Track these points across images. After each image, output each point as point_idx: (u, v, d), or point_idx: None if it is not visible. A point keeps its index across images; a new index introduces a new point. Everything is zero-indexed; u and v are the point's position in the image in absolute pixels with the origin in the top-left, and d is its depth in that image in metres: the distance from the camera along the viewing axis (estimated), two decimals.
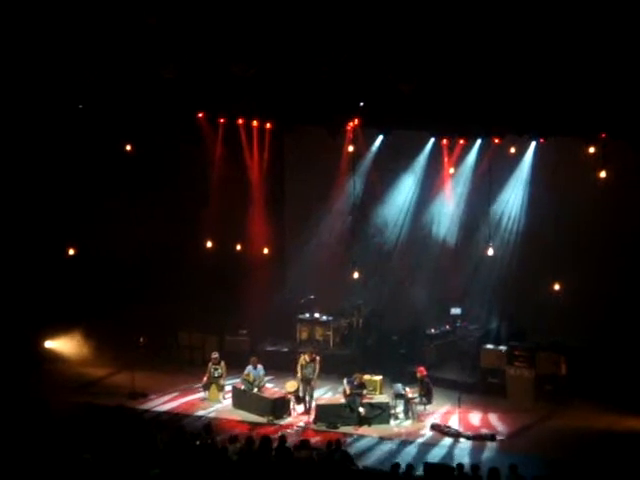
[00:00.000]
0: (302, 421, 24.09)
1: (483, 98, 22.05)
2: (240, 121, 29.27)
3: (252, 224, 30.53)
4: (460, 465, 18.13)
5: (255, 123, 29.44)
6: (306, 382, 24.76)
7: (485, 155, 27.86)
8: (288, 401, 24.68)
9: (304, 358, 24.96)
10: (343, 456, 18.63)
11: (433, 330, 28.92)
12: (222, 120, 29.20)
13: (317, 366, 24.83)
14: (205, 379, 25.94)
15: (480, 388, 26.33)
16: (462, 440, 22.62)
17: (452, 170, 28.90)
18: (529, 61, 19.92)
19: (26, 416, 20.46)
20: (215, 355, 26.28)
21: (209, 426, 20.26)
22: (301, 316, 30.18)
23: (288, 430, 23.04)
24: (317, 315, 30.06)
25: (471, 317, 29.26)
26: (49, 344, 29.43)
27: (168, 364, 29.03)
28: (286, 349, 29.40)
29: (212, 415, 24.74)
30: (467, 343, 28.06)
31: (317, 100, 24.05)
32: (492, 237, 27.55)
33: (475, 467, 17.74)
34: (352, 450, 20.75)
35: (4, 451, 17.34)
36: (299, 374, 24.86)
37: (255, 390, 24.87)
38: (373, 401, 24.18)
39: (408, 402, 24.31)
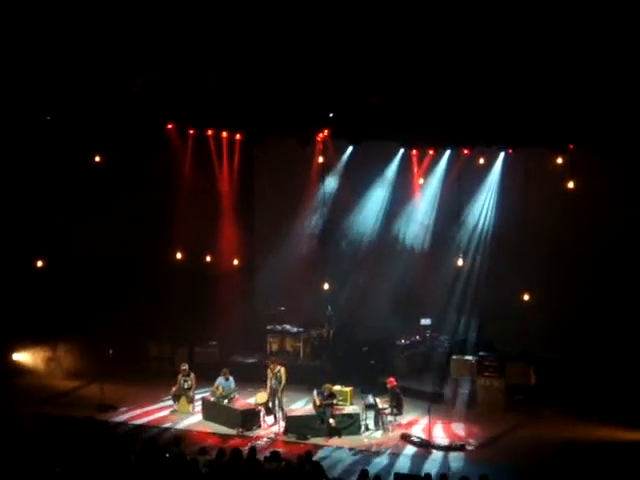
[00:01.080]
0: (272, 432, 24.03)
1: (452, 109, 22.12)
2: (210, 132, 29.28)
3: (222, 235, 30.51)
4: (430, 475, 18.13)
5: (225, 134, 29.47)
6: (273, 393, 24.70)
7: (454, 165, 28.03)
8: (258, 413, 24.61)
9: (270, 369, 24.91)
10: (314, 467, 18.59)
11: (403, 341, 29.03)
12: (192, 131, 29.20)
13: (283, 377, 24.73)
14: (174, 390, 25.85)
15: (450, 398, 26.34)
16: (432, 450, 22.63)
17: (422, 180, 29.06)
18: (496, 73, 20.00)
19: None
20: (184, 367, 26.18)
21: (179, 438, 20.17)
22: (271, 327, 30.21)
23: (258, 442, 22.99)
24: (287, 326, 30.14)
25: (441, 327, 29.33)
26: (17, 356, 29.25)
27: (137, 376, 28.89)
28: (256, 360, 29.36)
29: (182, 427, 24.63)
30: (437, 354, 28.10)
31: (287, 111, 24.05)
32: (462, 247, 27.72)
33: (444, 477, 17.73)
34: (322, 461, 20.69)
35: None
36: (268, 385, 24.84)
37: (225, 402, 24.80)
38: (343, 412, 24.17)
39: (378, 413, 24.30)
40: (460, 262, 27.62)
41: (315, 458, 19.90)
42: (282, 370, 24.78)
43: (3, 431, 20.09)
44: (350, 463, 21.78)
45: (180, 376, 25.94)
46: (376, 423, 24.33)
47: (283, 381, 24.67)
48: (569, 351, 26.03)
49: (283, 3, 19.19)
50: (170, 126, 28.62)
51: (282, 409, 24.60)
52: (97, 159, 28.52)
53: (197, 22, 19.95)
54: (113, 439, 20.56)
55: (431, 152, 28.24)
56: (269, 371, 24.86)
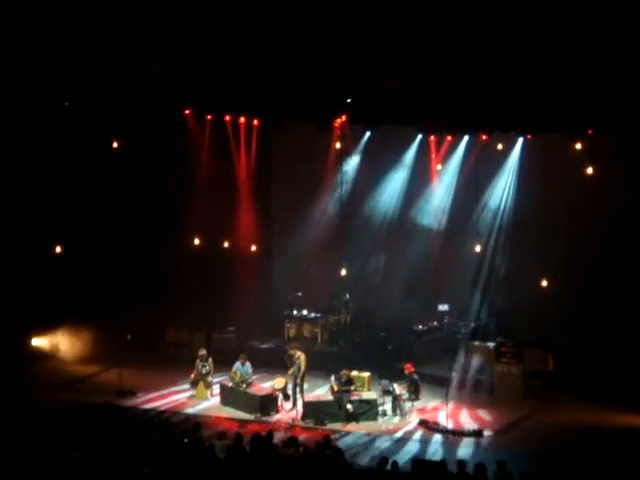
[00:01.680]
0: (290, 418, 24.06)
1: (470, 94, 22.06)
2: (227, 118, 29.25)
3: (240, 221, 30.53)
4: (447, 461, 18.11)
5: (242, 120, 29.42)
6: (293, 379, 24.74)
7: (472, 151, 27.93)
8: (276, 398, 24.65)
9: (290, 355, 24.93)
10: (335, 452, 18.66)
11: (421, 326, 28.97)
12: (209, 117, 29.18)
13: (303, 363, 24.75)
14: (192, 376, 25.91)
15: (468, 384, 26.31)
16: (449, 436, 22.62)
17: (439, 166, 28.94)
18: (515, 58, 19.92)
19: (13, 414, 20.38)
20: (202, 352, 26.22)
21: (197, 423, 20.20)
22: (289, 313, 30.23)
23: (276, 427, 23.02)
24: (305, 312, 30.16)
25: (459, 313, 29.30)
26: (36, 342, 29.37)
27: (155, 361, 28.98)
28: (273, 346, 29.40)
29: (200, 412, 24.67)
30: (455, 339, 28.06)
31: (305, 97, 24.03)
32: (480, 233, 27.65)
33: (462, 463, 17.70)
34: (340, 447, 20.71)
35: None
36: (291, 371, 24.88)
37: (243, 387, 24.84)
38: (361, 398, 24.17)
39: (396, 399, 24.30)
40: (478, 248, 27.54)
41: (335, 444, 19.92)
42: (302, 357, 24.78)
43: (22, 417, 20.20)
44: (367, 449, 21.80)
45: (198, 361, 25.99)
46: (393, 409, 24.33)
47: (302, 368, 24.68)
48: (587, 337, 25.93)
49: None
50: (188, 112, 28.63)
51: (302, 396, 24.61)
52: (115, 145, 28.56)
53: (214, 8, 19.94)
54: (131, 425, 20.61)
55: (449, 138, 28.14)
56: (289, 357, 24.88)
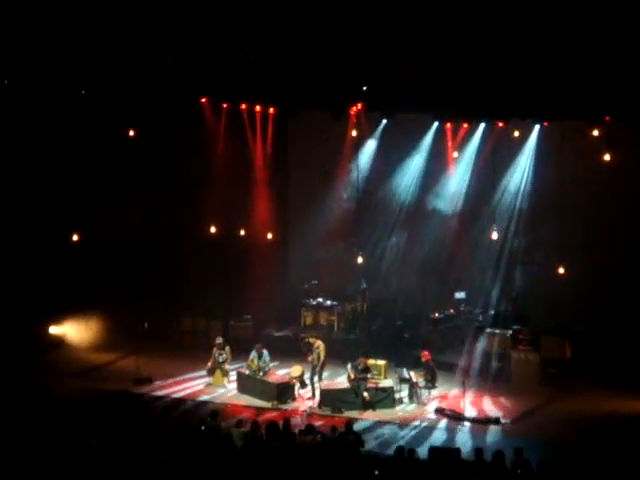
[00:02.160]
0: (307, 406, 24.10)
1: (486, 81, 21.98)
2: (243, 106, 29.23)
3: (256, 209, 30.49)
4: (464, 449, 18.14)
5: (258, 108, 29.39)
6: (312, 368, 24.78)
7: (489, 139, 27.83)
8: (293, 386, 24.69)
9: (308, 343, 24.95)
10: (356, 438, 18.75)
11: (437, 314, 28.91)
12: (225, 105, 29.15)
13: (322, 352, 24.78)
14: (210, 364, 25.96)
15: (484, 372, 26.28)
16: (466, 424, 22.63)
17: (456, 154, 28.83)
18: (532, 44, 19.84)
19: (31, 403, 20.47)
20: (219, 340, 26.27)
21: (215, 411, 20.25)
22: (305, 301, 30.24)
23: (293, 415, 23.05)
24: (321, 300, 30.15)
25: (475, 301, 29.23)
26: (53, 330, 29.49)
27: (172, 349, 29.06)
28: (290, 334, 29.42)
29: (217, 400, 24.75)
30: (471, 327, 27.99)
31: (320, 84, 23.98)
32: (496, 221, 27.57)
33: (479, 451, 17.72)
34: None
35: (10, 438, 17.37)
36: (309, 358, 24.93)
37: (260, 375, 24.87)
38: (378, 386, 24.20)
39: (413, 386, 24.32)
40: (495, 235, 27.48)
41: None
42: (321, 346, 24.82)
43: (40, 405, 20.29)
44: (384, 436, 21.84)
45: (215, 349, 26.03)
46: (410, 397, 24.35)
47: (322, 357, 24.72)
48: (605, 324, 25.86)
49: None
50: (204, 100, 28.63)
51: (319, 385, 24.63)
52: (131, 134, 28.62)
53: None
54: (148, 412, 20.69)
55: (465, 125, 28.04)
56: (307, 344, 24.90)
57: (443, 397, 24.64)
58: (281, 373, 25.75)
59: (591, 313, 25.95)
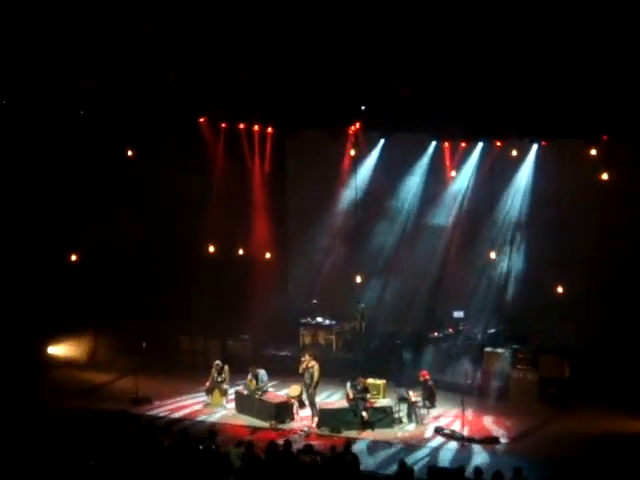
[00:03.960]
0: (305, 426, 24.05)
1: (484, 101, 22.04)
2: (241, 126, 29.30)
3: (254, 228, 30.54)
4: (463, 468, 18.10)
5: (256, 128, 29.46)
6: (306, 388, 24.73)
7: (487, 158, 27.87)
8: (291, 406, 24.65)
9: (305, 362, 24.90)
10: (353, 458, 18.70)
11: (436, 333, 28.87)
12: (223, 125, 29.23)
13: (316, 373, 24.62)
14: (208, 384, 25.92)
15: (483, 391, 26.23)
16: (465, 443, 22.58)
17: (454, 173, 28.86)
18: (529, 63, 19.91)
19: (29, 422, 20.45)
20: (217, 362, 26.17)
21: (213, 431, 20.23)
22: (304, 320, 30.23)
23: (291, 435, 23.00)
24: (320, 319, 30.15)
25: (474, 320, 29.20)
26: (52, 350, 29.46)
27: (171, 369, 28.96)
28: (289, 353, 29.38)
29: (216, 420, 24.70)
30: (470, 346, 27.96)
31: (318, 104, 24.10)
32: (495, 240, 27.59)
33: (478, 471, 17.69)
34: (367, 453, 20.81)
35: (7, 457, 17.34)
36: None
37: (258, 395, 24.83)
38: (376, 405, 24.16)
39: (411, 406, 24.28)
40: (493, 255, 27.51)
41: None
42: (315, 366, 24.70)
43: (38, 424, 20.26)
44: (383, 456, 21.79)
45: (213, 369, 25.99)
46: (409, 416, 24.31)
47: (315, 378, 24.62)
48: (603, 344, 25.85)
49: None
50: (202, 120, 28.70)
51: (314, 405, 24.57)
52: (129, 153, 28.69)
53: (227, 17, 20.03)
54: (147, 432, 20.65)
55: (463, 145, 28.08)
56: (303, 364, 24.85)
57: (442, 416, 24.59)
58: (280, 393, 25.70)
59: (590, 332, 25.93)
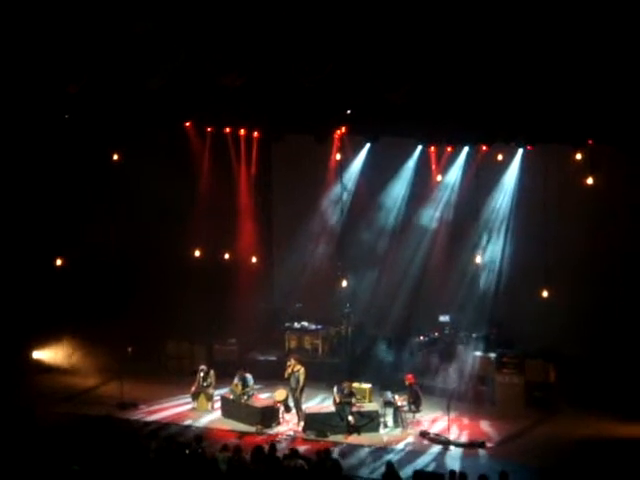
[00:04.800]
0: (291, 430, 24.03)
1: (470, 105, 22.06)
2: (227, 130, 29.29)
3: (240, 233, 30.53)
4: (449, 473, 18.08)
5: (242, 132, 29.46)
6: (291, 392, 24.70)
7: (473, 162, 27.92)
8: (277, 410, 24.62)
9: (290, 366, 24.85)
10: (334, 465, 18.60)
11: (422, 337, 28.89)
12: (209, 129, 29.22)
13: (301, 377, 24.59)
14: (193, 388, 25.87)
15: (469, 395, 26.25)
16: (451, 448, 22.59)
17: (440, 177, 28.90)
18: (515, 69, 19.93)
19: (13, 427, 20.35)
20: (202, 367, 26.13)
21: (199, 436, 20.18)
22: (290, 325, 30.19)
23: (277, 439, 22.97)
24: (306, 324, 30.10)
25: (460, 324, 29.21)
26: (37, 354, 29.36)
27: (156, 374, 28.94)
28: (275, 358, 29.34)
29: (202, 425, 24.67)
30: (456, 350, 27.97)
31: (304, 109, 24.07)
32: (481, 244, 27.62)
33: (463, 475, 17.68)
34: (341, 459, 20.68)
35: None
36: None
37: (244, 399, 24.79)
38: (362, 409, 24.14)
39: (397, 410, 24.28)
40: (479, 259, 27.55)
41: (334, 456, 19.89)
42: (301, 370, 24.67)
43: (23, 429, 20.17)
44: (369, 461, 21.78)
45: (199, 374, 25.93)
46: (395, 420, 24.31)
47: (301, 382, 24.60)
48: (589, 348, 25.88)
49: (300, 1, 19.22)
50: (188, 124, 28.67)
51: (299, 410, 24.54)
52: (115, 157, 28.62)
53: (213, 22, 20.01)
54: (132, 437, 20.60)
55: (449, 149, 28.13)
56: (288, 368, 24.81)
57: (428, 421, 24.59)
58: (265, 397, 25.67)
59: (575, 336, 25.93)
